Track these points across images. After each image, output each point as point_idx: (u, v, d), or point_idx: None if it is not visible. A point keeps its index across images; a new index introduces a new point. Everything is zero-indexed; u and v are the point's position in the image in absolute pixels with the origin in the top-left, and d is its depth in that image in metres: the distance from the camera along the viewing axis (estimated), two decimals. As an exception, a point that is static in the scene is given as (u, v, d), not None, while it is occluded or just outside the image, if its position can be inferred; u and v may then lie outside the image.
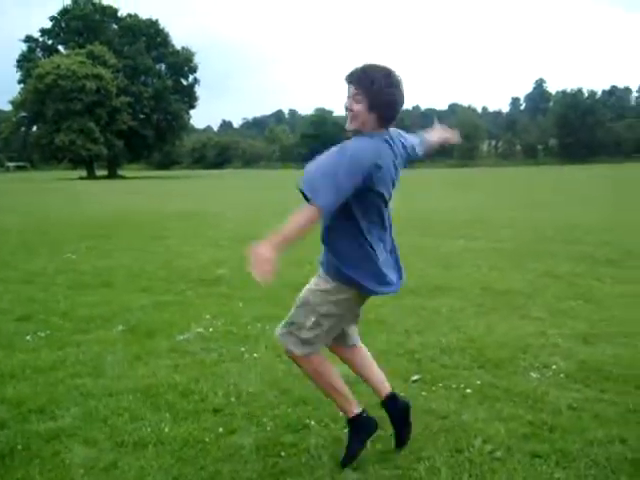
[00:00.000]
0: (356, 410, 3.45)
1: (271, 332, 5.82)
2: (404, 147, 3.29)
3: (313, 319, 3.26)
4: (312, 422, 3.91)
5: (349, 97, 3.05)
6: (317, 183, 2.94)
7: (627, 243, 11.36)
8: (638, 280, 8.10)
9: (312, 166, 3.04)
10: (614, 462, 3.33)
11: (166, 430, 3.81)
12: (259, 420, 3.95)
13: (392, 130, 3.21)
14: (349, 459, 3.37)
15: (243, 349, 5.39)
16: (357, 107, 3.03)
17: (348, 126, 3.11)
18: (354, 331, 3.61)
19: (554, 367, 4.82)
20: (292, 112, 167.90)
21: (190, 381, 4.61)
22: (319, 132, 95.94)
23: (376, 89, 2.99)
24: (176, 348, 5.45)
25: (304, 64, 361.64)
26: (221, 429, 3.82)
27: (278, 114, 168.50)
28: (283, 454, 3.51)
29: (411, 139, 3.46)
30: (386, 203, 3.19)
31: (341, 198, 2.94)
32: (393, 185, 3.20)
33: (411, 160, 3.46)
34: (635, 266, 9.13)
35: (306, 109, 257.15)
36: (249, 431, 3.81)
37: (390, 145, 3.13)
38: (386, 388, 3.57)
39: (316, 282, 3.37)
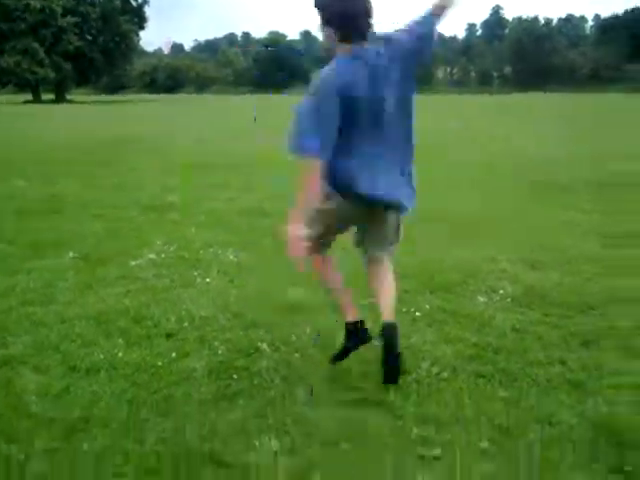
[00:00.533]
0: (351, 318, 3.64)
1: (223, 257, 5.89)
2: (392, 50, 3.16)
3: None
4: (264, 345, 3.96)
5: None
6: (297, 138, 3.02)
7: (579, 172, 11.52)
8: (590, 209, 8.20)
9: (291, 125, 3.06)
10: (554, 382, 3.47)
11: (119, 355, 3.83)
12: (211, 344, 3.99)
13: (369, 44, 3.14)
14: (336, 358, 3.65)
15: (195, 274, 5.40)
16: (319, 26, 3.13)
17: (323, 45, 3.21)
18: (376, 246, 3.63)
19: (501, 291, 4.94)
20: (245, 35, 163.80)
21: (142, 307, 4.61)
22: (273, 56, 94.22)
23: (324, 3, 3.08)
24: (128, 275, 5.43)
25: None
26: (174, 354, 3.86)
27: (231, 37, 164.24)
28: (235, 377, 3.57)
29: (399, 34, 3.24)
30: (369, 108, 3.12)
31: (327, 132, 3.00)
32: (379, 96, 3.12)
33: (424, 44, 3.27)
34: (586, 195, 9.26)
35: (259, 32, 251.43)
36: (201, 355, 3.85)
37: (362, 60, 3.09)
38: (386, 315, 3.50)
39: None
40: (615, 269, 5.58)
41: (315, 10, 3.11)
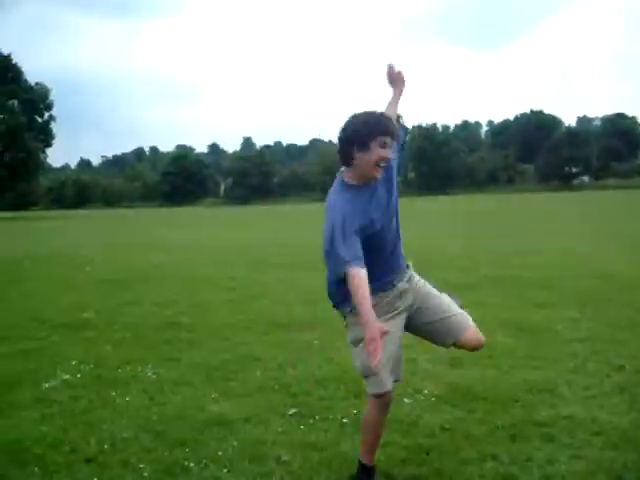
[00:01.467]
0: (373, 462, 3.56)
1: (142, 374, 5.73)
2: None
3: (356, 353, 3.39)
4: (191, 464, 3.83)
5: (390, 149, 3.17)
6: (332, 257, 3.10)
7: (481, 269, 11.96)
8: (494, 304, 8.51)
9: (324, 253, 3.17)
10: (487, 478, 3.49)
11: (35, 485, 3.62)
12: (135, 466, 3.82)
13: None
14: None
15: (114, 393, 5.20)
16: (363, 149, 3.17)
17: (378, 175, 3.19)
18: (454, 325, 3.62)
19: (425, 391, 4.98)
20: (153, 149, 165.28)
21: (59, 431, 4.39)
22: (181, 169, 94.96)
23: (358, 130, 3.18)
24: (42, 398, 5.18)
25: (162, 101, 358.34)
26: (96, 479, 3.67)
27: (139, 152, 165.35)
28: (163, 499, 3.42)
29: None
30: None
31: (354, 242, 3.07)
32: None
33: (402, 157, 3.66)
34: (490, 289, 9.62)
35: (167, 146, 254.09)
36: (125, 479, 3.68)
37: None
38: None
39: None
40: (529, 360, 5.77)
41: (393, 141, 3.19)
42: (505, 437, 4.07)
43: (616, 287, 9.56)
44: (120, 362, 6.14)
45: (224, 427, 4.40)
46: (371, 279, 3.07)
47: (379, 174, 3.17)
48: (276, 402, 4.88)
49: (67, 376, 5.71)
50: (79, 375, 5.75)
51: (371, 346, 2.90)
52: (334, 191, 3.27)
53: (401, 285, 3.44)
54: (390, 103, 3.79)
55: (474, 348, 3.70)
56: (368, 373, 3.27)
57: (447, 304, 3.59)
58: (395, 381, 3.45)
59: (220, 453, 3.97)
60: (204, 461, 3.87)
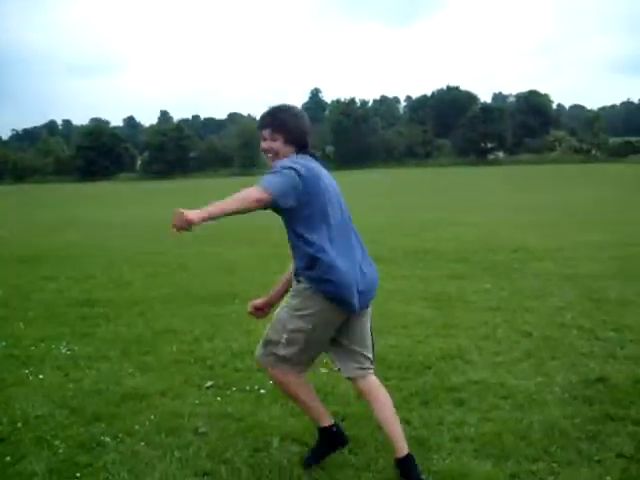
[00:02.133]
0: (326, 423, 3.43)
1: (56, 351, 5.62)
2: None
3: (285, 336, 3.25)
4: (107, 439, 3.80)
5: (265, 140, 3.32)
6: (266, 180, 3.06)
7: (398, 242, 12.20)
8: (410, 276, 8.75)
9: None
10: (400, 442, 3.59)
11: (-56, 467, 3.52)
12: (50, 443, 3.77)
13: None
14: (310, 462, 3.42)
15: (27, 371, 5.09)
16: (276, 145, 3.29)
17: (272, 164, 3.28)
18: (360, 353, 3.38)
19: (342, 361, 5.06)
20: (66, 122, 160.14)
21: (-31, 412, 4.29)
22: (96, 143, 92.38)
23: (290, 128, 3.29)
24: (-51, 379, 5.03)
25: (76, 73, 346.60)
26: (8, 458, 3.59)
27: (51, 125, 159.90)
28: (78, 475, 3.39)
29: None
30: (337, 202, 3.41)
31: (287, 187, 3.05)
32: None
33: None
34: (406, 262, 9.87)
35: (81, 119, 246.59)
36: (40, 456, 3.61)
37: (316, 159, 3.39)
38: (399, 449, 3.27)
39: (286, 299, 3.41)
40: (442, 329, 5.97)
41: (269, 131, 3.29)
42: (418, 403, 4.21)
43: (525, 259, 9.93)
44: (34, 340, 6.01)
45: (140, 401, 4.38)
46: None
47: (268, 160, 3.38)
48: (192, 375, 4.89)
49: (-24, 356, 5.56)
50: (-10, 354, 5.60)
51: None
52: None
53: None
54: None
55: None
56: (280, 361, 3.29)
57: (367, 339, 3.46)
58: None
59: (137, 427, 3.96)
60: (120, 435, 3.85)
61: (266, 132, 3.31)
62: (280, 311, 3.33)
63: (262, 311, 3.64)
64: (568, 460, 3.41)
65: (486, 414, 4.01)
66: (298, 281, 3.27)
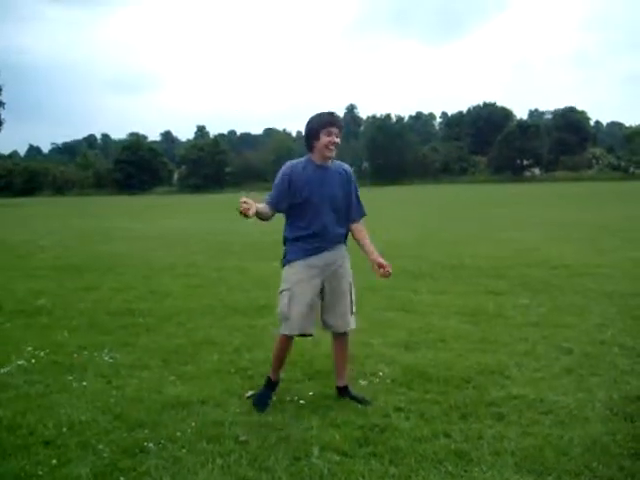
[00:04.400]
0: (274, 378, 4.67)
1: (99, 359, 5.72)
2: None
3: (278, 297, 4.56)
4: (150, 445, 3.87)
5: (337, 136, 4.46)
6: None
7: (436, 257, 12.17)
8: (448, 291, 8.73)
9: None
10: (440, 455, 3.61)
11: (-7, 468, 3.61)
12: (94, 448, 3.84)
13: None
14: (256, 402, 4.51)
15: (70, 378, 5.19)
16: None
17: (333, 155, 4.50)
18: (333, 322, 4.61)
19: (380, 374, 5.10)
20: (105, 137, 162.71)
21: (16, 415, 4.37)
22: (134, 157, 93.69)
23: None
24: (-4, 383, 5.15)
25: (115, 88, 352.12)
26: (55, 461, 3.68)
27: (90, 139, 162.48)
28: (122, 479, 3.45)
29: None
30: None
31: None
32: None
33: None
34: (444, 277, 9.84)
35: (119, 134, 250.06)
36: (85, 460, 3.69)
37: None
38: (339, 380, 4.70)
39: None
40: (481, 344, 5.95)
41: (340, 130, 4.51)
42: (457, 416, 4.21)
43: (564, 275, 9.84)
44: (76, 348, 6.12)
45: (182, 409, 4.44)
46: (304, 236, 4.49)
47: (331, 153, 4.46)
48: (233, 385, 4.95)
49: (22, 362, 5.67)
50: (34, 361, 5.71)
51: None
52: (296, 161, 4.59)
53: (327, 254, 4.51)
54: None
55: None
56: (282, 318, 4.50)
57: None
58: (303, 335, 4.57)
59: (178, 434, 4.02)
60: (163, 441, 3.91)
61: (338, 130, 4.46)
62: (347, 283, 4.62)
63: (383, 269, 4.52)
64: (610, 476, 3.38)
65: (526, 429, 4.00)
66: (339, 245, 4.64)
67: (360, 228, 4.71)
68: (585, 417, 4.17)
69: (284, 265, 4.58)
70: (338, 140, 4.45)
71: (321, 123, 4.43)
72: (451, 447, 3.68)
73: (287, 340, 4.57)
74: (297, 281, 4.45)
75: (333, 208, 4.51)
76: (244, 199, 4.03)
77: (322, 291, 4.54)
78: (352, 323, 4.63)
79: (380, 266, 4.50)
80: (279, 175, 4.51)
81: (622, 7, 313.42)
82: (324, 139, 4.41)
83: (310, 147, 4.53)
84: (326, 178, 4.50)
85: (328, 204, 4.47)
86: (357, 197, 4.70)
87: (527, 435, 3.90)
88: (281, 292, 4.51)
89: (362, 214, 4.74)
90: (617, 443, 3.76)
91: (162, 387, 4.92)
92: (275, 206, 4.45)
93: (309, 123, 4.51)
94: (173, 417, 4.31)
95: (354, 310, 4.62)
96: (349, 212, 4.64)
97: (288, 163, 4.58)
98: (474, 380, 4.91)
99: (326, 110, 4.56)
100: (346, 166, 4.71)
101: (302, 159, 4.59)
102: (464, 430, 3.96)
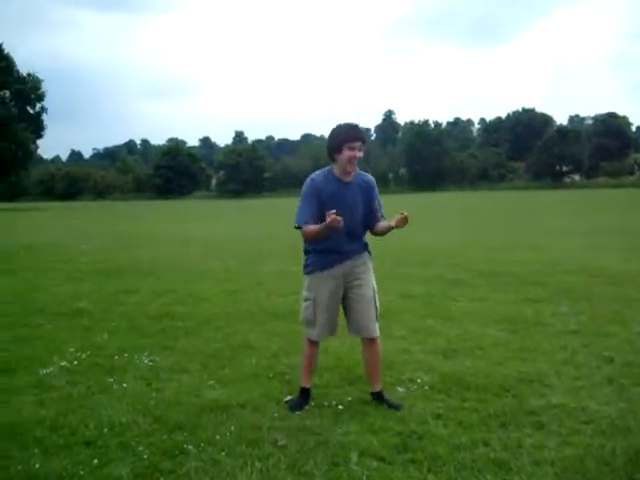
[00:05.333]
0: (306, 384, 4.73)
1: (139, 361, 5.80)
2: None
3: (302, 304, 4.73)
4: (189, 447, 3.91)
5: (359, 150, 4.43)
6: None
7: (474, 265, 12.08)
8: (486, 298, 8.65)
9: None
10: (479, 463, 3.58)
11: (37, 466, 3.68)
12: (134, 449, 3.90)
13: None
14: (292, 408, 4.53)
15: (111, 380, 5.27)
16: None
17: (355, 169, 4.50)
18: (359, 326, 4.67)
19: (419, 381, 5.08)
20: (144, 142, 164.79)
21: (58, 415, 4.46)
22: (173, 163, 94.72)
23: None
24: (40, 383, 5.24)
25: (155, 94, 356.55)
26: (96, 461, 3.74)
27: (130, 144, 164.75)
28: (163, 480, 3.50)
29: None
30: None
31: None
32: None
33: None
34: (482, 284, 9.76)
35: (158, 139, 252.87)
36: (125, 461, 3.75)
37: None
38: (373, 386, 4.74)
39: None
40: (520, 352, 5.89)
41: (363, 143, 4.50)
42: (496, 424, 4.17)
43: (605, 283, 9.69)
44: (116, 350, 6.21)
45: (221, 412, 4.48)
46: (323, 249, 4.54)
47: (352, 168, 4.47)
48: (271, 389, 4.98)
49: (64, 363, 5.78)
50: (76, 362, 5.81)
51: (330, 224, 4.08)
52: (317, 173, 4.59)
53: (348, 264, 4.59)
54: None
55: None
56: (307, 324, 4.67)
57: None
58: (331, 334, 4.74)
59: (218, 437, 4.05)
60: (202, 444, 3.95)
61: (362, 144, 4.46)
62: (371, 290, 4.65)
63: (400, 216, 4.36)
64: (653, 488, 3.32)
65: (567, 438, 3.95)
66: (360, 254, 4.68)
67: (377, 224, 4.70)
68: (627, 427, 4.10)
69: (306, 274, 4.68)
70: (361, 154, 4.44)
71: (344, 137, 4.41)
72: (490, 456, 3.65)
73: (313, 345, 4.72)
74: (319, 291, 4.58)
75: (353, 221, 4.49)
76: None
77: (345, 298, 4.64)
78: (377, 330, 4.67)
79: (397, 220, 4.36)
80: (307, 191, 4.49)
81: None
82: (346, 153, 4.39)
83: (332, 159, 4.53)
84: (347, 191, 4.51)
85: (349, 218, 4.38)
86: (379, 203, 4.71)
87: (567, 445, 3.85)
88: (305, 300, 4.66)
89: (381, 216, 4.72)
90: (660, 454, 3.69)
91: (201, 390, 4.97)
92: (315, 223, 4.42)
93: (332, 135, 4.50)
94: (212, 420, 4.35)
95: (378, 314, 4.69)
96: (370, 218, 4.65)
97: (311, 178, 4.58)
98: (513, 388, 4.86)
99: (353, 121, 4.57)
100: (369, 177, 4.70)
101: (323, 170, 4.60)
102: (503, 439, 3.93)
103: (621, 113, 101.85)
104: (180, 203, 65.86)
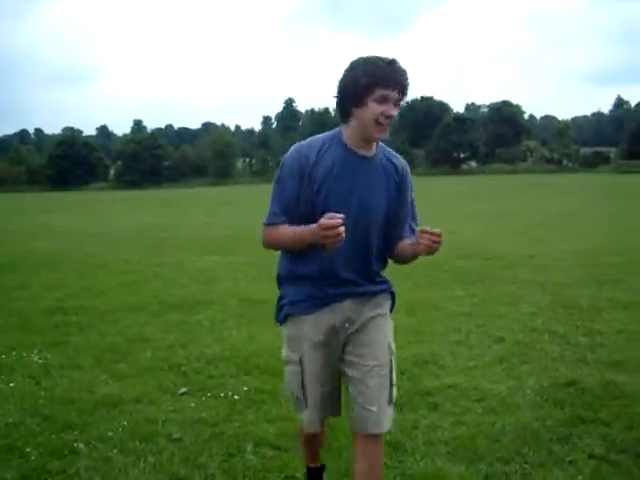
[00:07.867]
0: (313, 464, 3.14)
1: (28, 359, 5.56)
2: None
3: (285, 368, 2.81)
4: (80, 446, 3.77)
5: (396, 104, 2.54)
6: None
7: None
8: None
9: None
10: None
11: None
12: (21, 450, 3.73)
13: None
14: None
15: (-3, 379, 5.05)
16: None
17: (384, 136, 2.60)
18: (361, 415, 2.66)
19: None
20: (38, 131, 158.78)
21: (-62, 420, 4.23)
22: (69, 153, 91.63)
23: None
24: None
25: (48, 82, 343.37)
26: (-23, 466, 3.56)
27: (22, 134, 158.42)
28: (50, 481, 3.36)
29: None
30: None
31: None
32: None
33: None
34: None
35: (54, 128, 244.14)
36: (10, 463, 3.58)
37: None
38: None
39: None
40: (417, 335, 6.02)
41: (402, 95, 2.54)
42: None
43: (498, 266, 10.05)
44: (5, 348, 5.94)
45: (114, 408, 4.36)
46: (310, 275, 2.64)
47: (381, 134, 2.57)
48: (166, 382, 4.88)
49: (-53, 364, 5.48)
50: (-42, 363, 5.53)
51: (325, 225, 2.33)
52: (312, 140, 2.71)
53: (349, 304, 2.69)
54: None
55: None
56: (295, 402, 2.79)
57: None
58: (332, 415, 2.86)
59: (110, 434, 3.93)
60: (93, 442, 3.82)
61: (398, 94, 2.53)
62: (385, 347, 2.75)
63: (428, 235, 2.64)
64: (540, 462, 3.45)
65: (459, 417, 4.06)
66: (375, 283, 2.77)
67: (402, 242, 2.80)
68: (516, 404, 4.25)
69: (281, 322, 2.77)
70: (396, 113, 2.53)
71: (373, 77, 2.46)
72: (386, 438, 3.66)
73: (310, 435, 2.95)
74: (307, 350, 2.67)
75: (367, 230, 2.65)
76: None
77: (343, 358, 2.72)
78: (389, 421, 2.72)
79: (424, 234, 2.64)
80: (285, 168, 2.63)
81: (556, 5, 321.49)
82: (374, 108, 2.49)
83: (346, 115, 2.63)
84: (363, 176, 2.63)
85: (362, 223, 2.61)
86: (413, 208, 2.90)
87: (460, 424, 3.95)
88: (286, 364, 2.77)
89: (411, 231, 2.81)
90: (547, 429, 3.84)
91: (93, 387, 4.82)
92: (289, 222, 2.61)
93: (351, 74, 2.54)
94: (104, 417, 4.23)
95: (394, 397, 2.78)
96: (394, 228, 2.76)
97: (297, 146, 2.68)
98: (409, 371, 4.95)
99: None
100: (398, 158, 2.81)
101: (325, 135, 2.73)
102: (399, 421, 3.96)
103: (515, 101, 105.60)
104: (76, 195, 63.82)
